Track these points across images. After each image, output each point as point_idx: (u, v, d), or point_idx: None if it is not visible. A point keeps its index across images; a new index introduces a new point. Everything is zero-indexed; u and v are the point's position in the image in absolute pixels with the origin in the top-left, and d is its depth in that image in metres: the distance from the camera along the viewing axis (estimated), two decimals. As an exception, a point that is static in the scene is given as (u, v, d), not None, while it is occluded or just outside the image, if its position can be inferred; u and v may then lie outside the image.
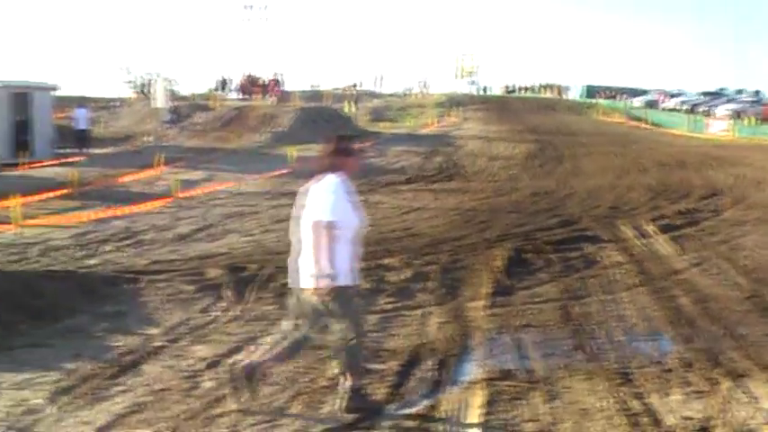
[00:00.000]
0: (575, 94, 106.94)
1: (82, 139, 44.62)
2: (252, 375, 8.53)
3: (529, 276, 14.80)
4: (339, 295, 8.30)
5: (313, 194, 8.69)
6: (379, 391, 8.97)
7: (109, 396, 8.95)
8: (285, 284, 13.50)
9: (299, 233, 8.70)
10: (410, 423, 8.20)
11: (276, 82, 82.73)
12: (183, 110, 60.17)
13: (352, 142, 9.18)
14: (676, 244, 17.48)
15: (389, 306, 12.85)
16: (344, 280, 8.36)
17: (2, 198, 24.07)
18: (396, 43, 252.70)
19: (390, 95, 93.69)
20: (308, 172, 8.84)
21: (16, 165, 36.65)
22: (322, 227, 8.22)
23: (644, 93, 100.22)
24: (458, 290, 13.87)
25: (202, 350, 10.64)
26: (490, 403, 8.63)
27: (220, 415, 8.34)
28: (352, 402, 8.44)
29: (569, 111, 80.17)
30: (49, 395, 8.93)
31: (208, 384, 9.31)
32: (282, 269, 14.54)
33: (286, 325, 8.83)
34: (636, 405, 8.61)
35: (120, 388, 9.23)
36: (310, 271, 8.33)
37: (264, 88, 78.49)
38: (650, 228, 19.19)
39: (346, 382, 8.53)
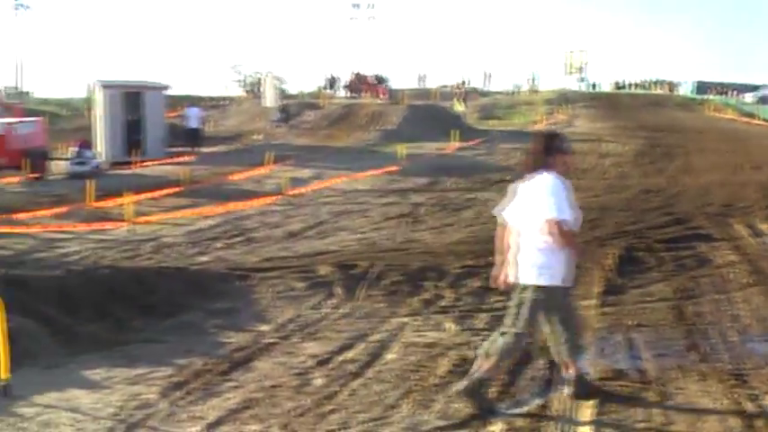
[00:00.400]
0: (685, 91, 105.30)
1: (193, 137, 45.18)
2: (475, 391, 8.47)
3: (640, 275, 14.56)
4: (561, 291, 8.46)
5: (532, 193, 8.52)
6: (490, 390, 8.87)
7: (220, 392, 9.01)
8: (395, 282, 13.61)
9: (516, 230, 8.62)
10: (522, 422, 8.09)
11: (379, 81, 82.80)
12: (293, 108, 60.58)
13: (561, 140, 8.97)
14: (792, 243, 17.11)
15: (500, 304, 12.71)
16: (567, 276, 8.47)
17: (115, 196, 24.50)
18: (504, 40, 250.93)
19: (498, 93, 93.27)
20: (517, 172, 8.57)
21: (129, 163, 37.20)
22: (554, 224, 8.18)
23: (755, 88, 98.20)
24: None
25: (313, 347, 10.66)
26: (602, 403, 8.49)
27: (331, 412, 8.33)
28: (579, 388, 8.60)
29: (680, 107, 78.93)
30: (161, 390, 9.03)
31: (318, 381, 9.31)
32: (392, 267, 14.64)
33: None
34: (750, 407, 8.39)
35: (232, 384, 9.29)
36: (535, 266, 8.38)
37: (374, 87, 78.59)
38: (765, 226, 18.78)
39: (569, 371, 8.64)
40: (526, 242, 8.47)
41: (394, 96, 72.07)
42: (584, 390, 8.60)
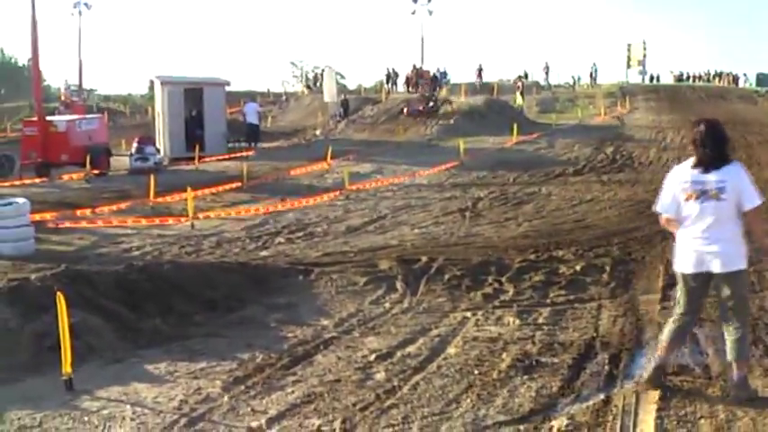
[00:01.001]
0: (746, 83, 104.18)
1: (252, 133, 45.46)
2: (657, 378, 8.80)
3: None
4: (747, 274, 8.98)
5: (733, 180, 8.54)
6: (553, 384, 8.83)
7: (282, 386, 9.01)
8: (456, 276, 13.59)
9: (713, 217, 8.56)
10: (584, 417, 8.02)
11: (439, 77, 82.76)
12: (352, 103, 60.73)
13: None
14: None
15: (562, 299, 12.67)
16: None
17: (176, 191, 24.67)
18: (564, 33, 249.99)
19: (557, 86, 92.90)
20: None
21: (189, 159, 37.45)
22: (760, 210, 8.52)
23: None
24: (631, 283, 13.60)
25: (374, 341, 10.64)
26: (665, 398, 8.39)
27: (392, 406, 8.31)
28: (742, 392, 8.45)
29: (741, 100, 78.04)
30: (223, 384, 9.05)
31: (380, 376, 9.29)
32: (453, 261, 14.60)
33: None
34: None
35: (293, 378, 9.29)
36: (738, 253, 8.57)
37: (433, 83, 78.46)
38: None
39: (736, 372, 8.49)
40: (720, 229, 8.54)
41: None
42: (746, 394, 8.52)
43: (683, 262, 8.76)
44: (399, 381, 9.04)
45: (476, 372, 9.36)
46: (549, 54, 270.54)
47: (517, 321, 11.41)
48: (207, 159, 37.75)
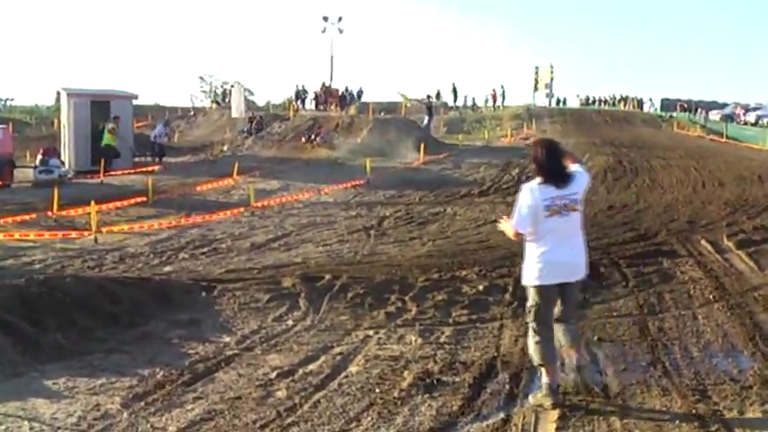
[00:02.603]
0: (650, 108, 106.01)
1: (156, 149, 45.06)
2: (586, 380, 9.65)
3: (605, 290, 14.63)
4: None
5: (581, 189, 9.40)
6: (453, 403, 8.91)
7: (182, 403, 8.98)
8: (360, 294, 13.64)
9: (571, 229, 9.38)
10: (484, 436, 8.13)
11: (348, 96, 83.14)
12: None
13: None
14: (754, 259, 17.18)
15: (464, 318, 12.78)
16: None
17: (80, 205, 24.46)
18: (473, 55, 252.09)
19: (465, 107, 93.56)
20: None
21: (95, 172, 37.11)
22: None
23: (720, 106, 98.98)
24: (533, 303, 13.76)
25: (276, 359, 10.65)
26: (564, 417, 8.53)
27: (293, 424, 8.33)
28: (585, 370, 9.67)
29: (645, 124, 79.33)
30: (122, 401, 8.99)
31: (281, 393, 9.30)
32: (356, 279, 14.66)
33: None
34: (712, 422, 8.45)
35: (194, 395, 9.26)
36: (585, 258, 9.58)
37: (341, 99, 78.66)
38: (728, 243, 18.90)
39: (576, 356, 9.55)
40: (576, 239, 9.48)
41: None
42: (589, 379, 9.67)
43: (547, 275, 9.17)
44: (300, 398, 9.06)
45: (377, 390, 9.41)
46: (458, 75, 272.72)
47: (419, 340, 11.49)
48: (112, 173, 37.40)
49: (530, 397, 9.24)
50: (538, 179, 9.23)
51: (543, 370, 9.19)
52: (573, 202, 9.16)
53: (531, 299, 9.30)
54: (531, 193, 9.16)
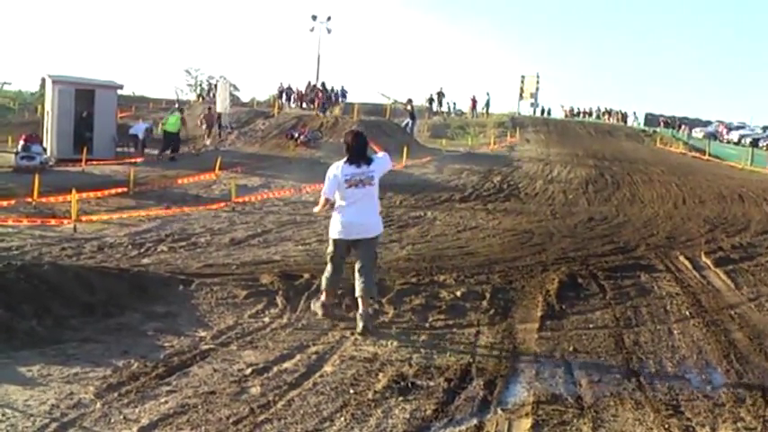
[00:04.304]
0: (634, 122, 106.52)
1: (136, 142, 44.93)
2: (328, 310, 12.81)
3: (581, 302, 14.64)
4: None
5: (378, 170, 12.47)
6: (427, 407, 8.91)
7: (156, 395, 8.95)
8: (337, 295, 13.62)
9: (367, 198, 12.34)
10: (456, 442, 8.13)
11: (335, 95, 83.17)
12: (244, 116, 60.66)
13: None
14: (732, 278, 17.24)
15: (441, 323, 12.78)
16: None
17: (61, 193, 24.38)
18: (461, 62, 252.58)
19: (449, 113, 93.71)
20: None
21: (77, 161, 37.02)
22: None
23: (704, 123, 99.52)
24: (510, 310, 13.75)
25: (251, 355, 10.62)
26: (537, 426, 8.53)
27: (266, 421, 8.32)
28: (369, 321, 12.14)
29: (629, 138, 79.66)
30: (96, 390, 8.95)
31: (255, 390, 9.28)
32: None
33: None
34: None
35: (168, 388, 9.23)
36: (379, 222, 12.87)
37: (327, 100, 78.59)
38: (706, 260, 18.95)
39: (362, 307, 12.14)
40: (370, 206, 12.51)
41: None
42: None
43: (342, 231, 12.33)
44: (274, 396, 9.05)
45: (351, 391, 9.40)
46: (446, 80, 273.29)
47: (395, 343, 11.48)
48: (94, 162, 37.31)
49: (311, 302, 13.06)
50: (344, 159, 12.24)
51: (324, 293, 12.70)
52: (369, 178, 12.22)
53: (329, 248, 12.69)
54: (337, 168, 12.23)
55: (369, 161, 12.27)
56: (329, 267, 12.60)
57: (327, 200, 12.43)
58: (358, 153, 12.23)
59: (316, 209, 13.29)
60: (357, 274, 12.18)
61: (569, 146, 62.42)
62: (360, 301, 12.13)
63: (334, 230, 12.44)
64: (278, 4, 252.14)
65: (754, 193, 36.38)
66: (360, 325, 11.95)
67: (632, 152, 61.76)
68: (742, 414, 9.37)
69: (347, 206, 12.20)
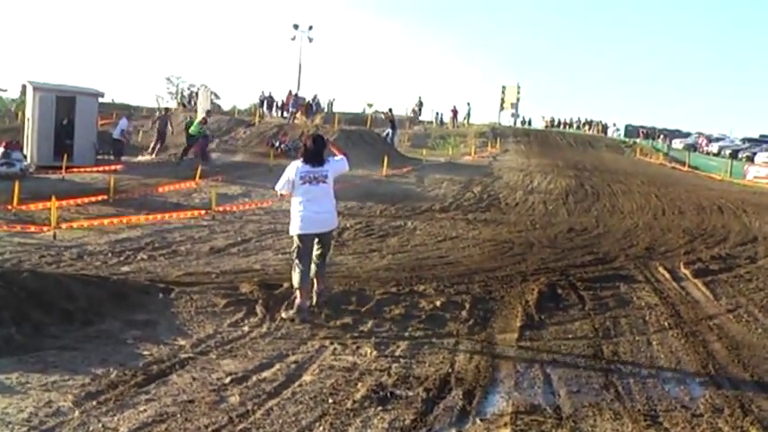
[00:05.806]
0: (614, 133, 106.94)
1: (115, 147, 44.80)
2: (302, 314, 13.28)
3: (561, 312, 14.68)
4: None
5: (332, 170, 13.78)
6: (406, 417, 8.92)
7: (135, 404, 8.93)
8: (316, 304, 13.62)
9: (321, 195, 13.57)
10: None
11: (316, 105, 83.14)
12: (225, 124, 60.66)
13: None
14: (710, 289, 17.31)
15: (420, 333, 12.79)
16: None
17: (41, 200, 24.29)
18: (442, 71, 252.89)
19: (430, 123, 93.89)
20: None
21: (57, 168, 36.90)
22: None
23: (684, 135, 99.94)
24: (489, 321, 13.79)
25: (231, 364, 10.61)
26: (516, 437, 8.57)
27: (244, 431, 8.32)
28: (321, 298, 13.85)
29: (609, 149, 80.00)
30: (75, 399, 8.92)
31: (234, 399, 9.27)
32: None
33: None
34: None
35: (146, 396, 9.21)
36: (335, 217, 14.14)
37: (308, 108, 78.52)
38: (685, 271, 19.02)
39: (320, 286, 13.93)
40: (326, 202, 13.68)
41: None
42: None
43: (304, 226, 13.48)
44: (253, 405, 9.05)
45: (330, 400, 9.40)
46: (427, 90, 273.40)
47: (374, 353, 11.48)
48: (75, 169, 37.19)
49: (282, 312, 13.29)
50: (301, 159, 13.57)
51: (298, 292, 13.39)
52: (323, 176, 13.44)
53: (294, 243, 13.65)
54: (294, 167, 13.47)
55: (323, 162, 13.59)
56: (299, 264, 13.40)
57: (283, 195, 14.20)
58: (313, 154, 13.52)
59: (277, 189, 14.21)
60: (314, 259, 13.70)
61: (550, 156, 62.61)
62: (315, 279, 13.76)
63: (297, 226, 13.57)
64: (259, 13, 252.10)
65: (733, 205, 36.52)
66: (314, 299, 13.72)
67: (612, 163, 62.02)
68: (720, 425, 9.42)
69: (306, 202, 13.45)
